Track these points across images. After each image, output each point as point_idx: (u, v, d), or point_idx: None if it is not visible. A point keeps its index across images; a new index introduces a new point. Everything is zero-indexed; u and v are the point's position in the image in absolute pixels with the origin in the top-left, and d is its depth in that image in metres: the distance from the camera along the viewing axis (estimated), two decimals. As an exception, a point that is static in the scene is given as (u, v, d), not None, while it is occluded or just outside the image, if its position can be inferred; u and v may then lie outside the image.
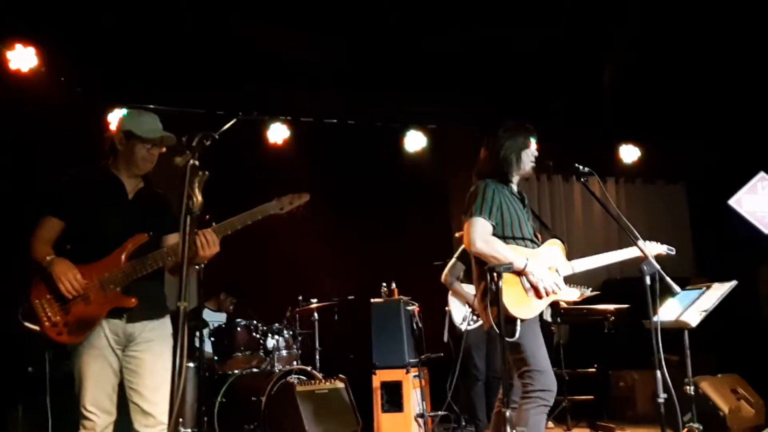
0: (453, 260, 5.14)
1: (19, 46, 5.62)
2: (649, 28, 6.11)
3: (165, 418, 2.88)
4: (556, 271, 3.33)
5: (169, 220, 3.06)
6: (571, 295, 3.37)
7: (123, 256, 2.89)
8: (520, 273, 3.16)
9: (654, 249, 3.58)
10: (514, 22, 5.92)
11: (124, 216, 2.97)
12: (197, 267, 3.65)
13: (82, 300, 2.84)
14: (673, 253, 3.57)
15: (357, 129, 7.08)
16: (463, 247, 5.13)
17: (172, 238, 3.06)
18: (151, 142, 3.01)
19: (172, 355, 2.72)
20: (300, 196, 3.08)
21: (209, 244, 2.83)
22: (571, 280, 3.48)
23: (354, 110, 6.97)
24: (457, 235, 5.37)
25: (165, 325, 3.06)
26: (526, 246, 3.29)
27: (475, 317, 5.06)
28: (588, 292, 4.46)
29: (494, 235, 3.22)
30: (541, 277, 3.18)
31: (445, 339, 5.17)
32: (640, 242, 3.43)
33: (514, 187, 3.44)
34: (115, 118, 6.25)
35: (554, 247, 3.40)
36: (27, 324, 2.85)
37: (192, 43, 5.88)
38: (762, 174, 7.15)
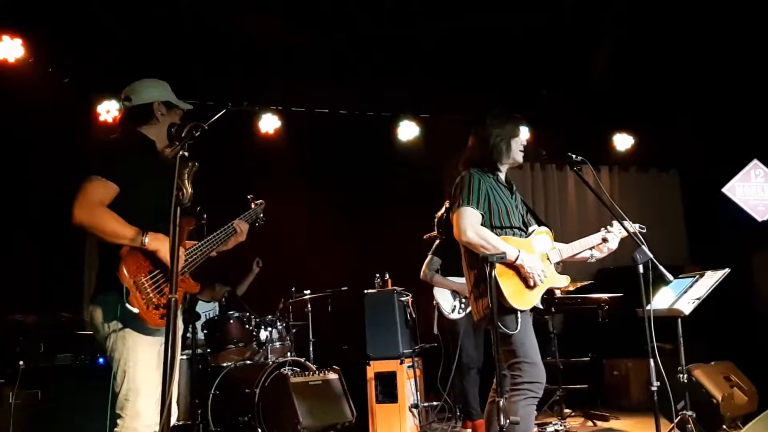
0: (429, 256, 5.19)
1: (6, 38, 5.57)
2: (641, 15, 6.09)
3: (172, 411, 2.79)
4: (547, 258, 3.32)
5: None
6: (562, 281, 3.37)
7: (184, 238, 2.77)
8: (511, 265, 3.15)
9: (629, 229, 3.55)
10: (507, 9, 5.88)
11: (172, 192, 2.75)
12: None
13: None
14: (644, 230, 3.55)
15: (349, 118, 7.04)
16: (438, 242, 5.17)
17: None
18: (181, 113, 2.95)
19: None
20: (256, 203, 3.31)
21: (244, 231, 3.07)
22: (565, 269, 3.48)
23: (346, 100, 6.93)
24: (425, 236, 5.40)
25: (180, 315, 2.97)
26: (514, 234, 3.28)
27: (463, 305, 5.08)
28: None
29: (482, 224, 3.21)
30: (533, 267, 3.17)
31: (435, 331, 5.20)
32: (628, 225, 3.42)
33: (502, 176, 3.41)
34: (104, 108, 6.21)
35: (543, 236, 3.39)
36: (129, 306, 2.56)
37: (181, 33, 5.82)
38: (755, 162, 7.16)
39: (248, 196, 3.30)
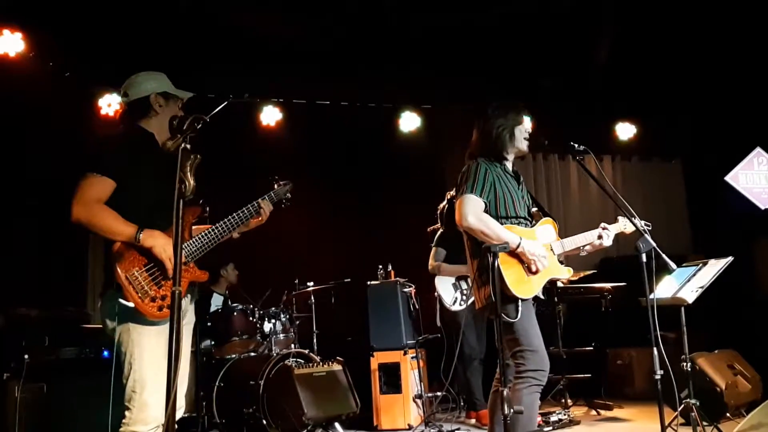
0: (433, 248, 5.25)
1: (6, 32, 5.56)
2: (642, 3, 6.05)
3: (181, 403, 2.84)
4: (551, 249, 3.31)
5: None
6: (564, 273, 3.36)
7: (187, 229, 2.79)
8: (513, 252, 3.14)
9: (631, 225, 3.54)
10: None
11: (174, 183, 2.68)
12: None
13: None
14: (650, 227, 3.54)
15: (351, 110, 7.03)
16: (440, 233, 5.19)
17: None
18: (180, 101, 2.94)
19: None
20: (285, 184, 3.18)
21: (267, 212, 2.98)
22: (568, 259, 3.47)
23: (347, 91, 6.91)
24: (429, 229, 5.42)
25: (192, 307, 2.96)
26: (519, 224, 3.27)
27: (465, 297, 5.09)
28: None
29: (487, 213, 3.20)
30: (535, 253, 3.16)
31: (438, 323, 5.22)
32: (636, 220, 3.42)
33: (509, 166, 3.40)
34: (105, 102, 6.21)
35: (547, 226, 3.38)
36: (122, 301, 2.62)
37: (182, 26, 5.80)
38: (758, 150, 7.13)
39: (274, 177, 3.20)
